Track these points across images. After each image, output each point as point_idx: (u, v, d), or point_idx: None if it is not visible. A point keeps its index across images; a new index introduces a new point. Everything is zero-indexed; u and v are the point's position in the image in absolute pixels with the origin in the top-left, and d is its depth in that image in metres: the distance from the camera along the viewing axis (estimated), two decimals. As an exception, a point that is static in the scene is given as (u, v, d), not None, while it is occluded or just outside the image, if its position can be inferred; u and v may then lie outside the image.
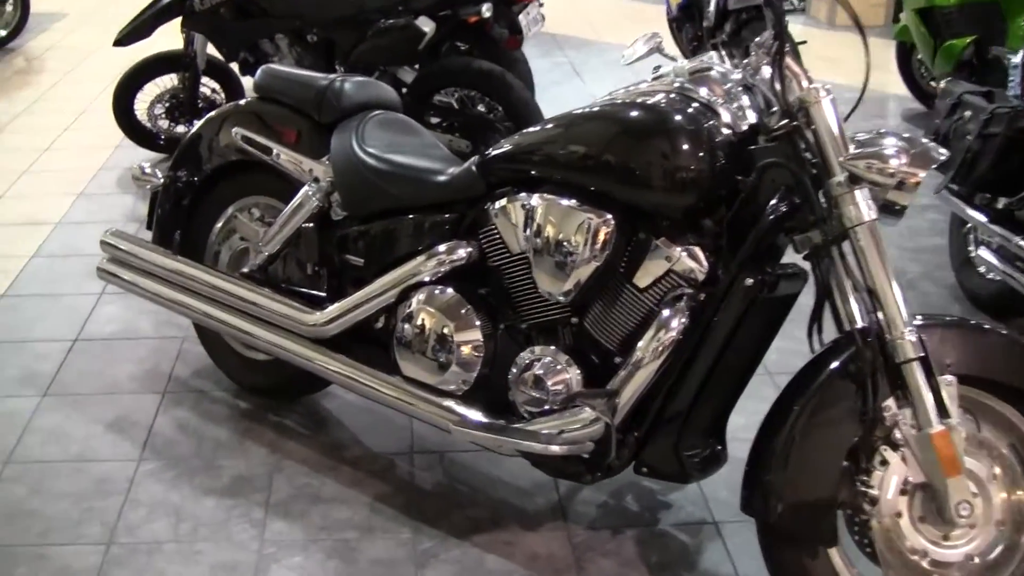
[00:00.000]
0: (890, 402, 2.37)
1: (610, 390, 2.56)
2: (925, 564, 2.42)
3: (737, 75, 2.58)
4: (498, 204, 2.72)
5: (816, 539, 2.43)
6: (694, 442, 2.66)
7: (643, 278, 2.56)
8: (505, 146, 2.76)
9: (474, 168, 2.81)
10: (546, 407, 2.67)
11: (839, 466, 2.41)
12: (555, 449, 2.57)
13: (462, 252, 2.80)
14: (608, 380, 2.64)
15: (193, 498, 3.02)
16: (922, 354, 2.33)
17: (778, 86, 2.42)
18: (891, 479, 2.39)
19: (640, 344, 2.53)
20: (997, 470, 2.44)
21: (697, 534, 2.94)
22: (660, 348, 2.50)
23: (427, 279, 2.83)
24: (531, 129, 2.75)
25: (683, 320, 2.50)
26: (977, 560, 2.43)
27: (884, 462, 2.39)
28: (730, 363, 2.56)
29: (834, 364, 2.41)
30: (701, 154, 2.46)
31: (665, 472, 2.68)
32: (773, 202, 2.44)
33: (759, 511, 2.46)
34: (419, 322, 2.82)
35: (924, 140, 2.37)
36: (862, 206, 2.34)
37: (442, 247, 2.82)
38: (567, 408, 2.63)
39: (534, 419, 2.67)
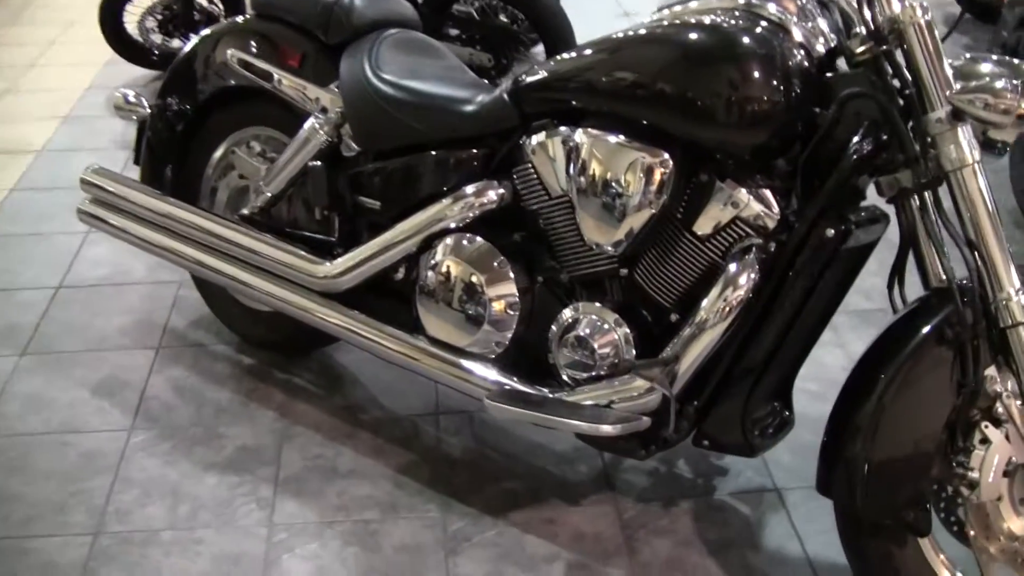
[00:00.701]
0: (991, 371, 2.07)
1: (667, 356, 2.26)
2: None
3: None
4: (535, 139, 2.39)
5: (906, 529, 2.15)
6: (760, 409, 2.37)
7: (704, 226, 2.24)
8: (542, 72, 2.40)
9: (506, 97, 2.46)
10: (592, 372, 2.37)
11: (934, 445, 2.12)
12: (606, 429, 2.26)
13: (493, 194, 2.47)
14: (661, 341, 2.35)
15: (192, 475, 2.72)
16: None
17: (864, 3, 2.08)
18: (993, 460, 2.09)
19: (704, 303, 2.21)
20: None
21: (759, 504, 2.67)
22: (727, 308, 2.19)
23: (453, 225, 2.51)
24: (573, 53, 2.39)
25: (752, 276, 2.18)
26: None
27: (984, 440, 2.09)
28: (804, 321, 2.25)
29: (927, 326, 2.10)
30: (773, 82, 2.11)
31: (729, 444, 2.39)
32: (856, 139, 2.12)
33: (840, 495, 2.18)
34: (445, 274, 2.51)
35: (1016, 61, 2.04)
36: (965, 146, 2.03)
37: (470, 188, 2.49)
38: (617, 376, 2.34)
39: (579, 387, 2.38)
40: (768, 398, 2.38)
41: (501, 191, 2.47)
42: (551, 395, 2.39)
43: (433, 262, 2.53)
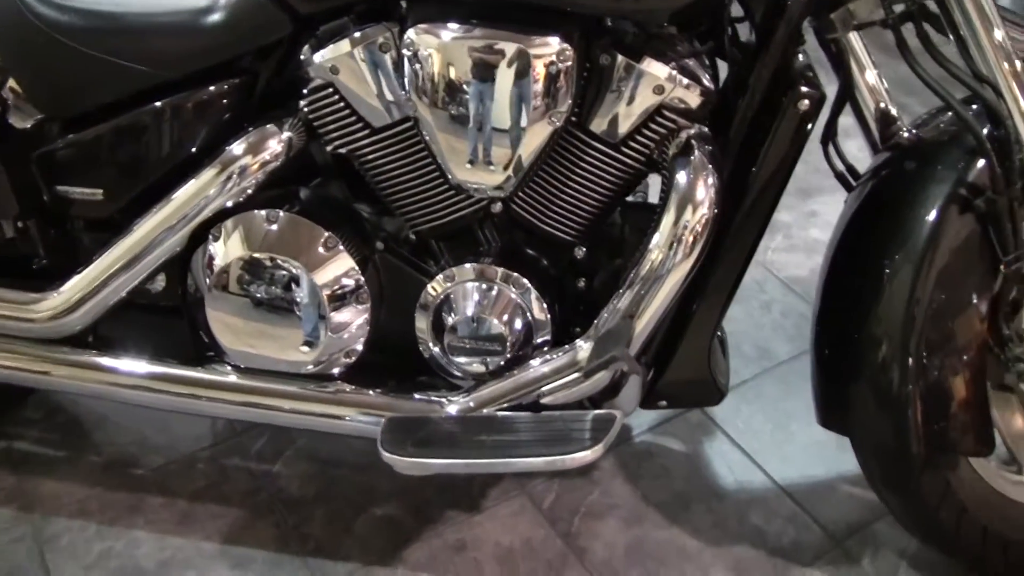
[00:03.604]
0: None
1: (612, 313, 1.66)
2: None
3: None
4: (334, 49, 1.64)
5: (970, 453, 1.72)
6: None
7: (618, 126, 1.64)
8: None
9: None
10: (500, 360, 1.74)
11: (982, 347, 1.69)
12: (586, 456, 1.65)
13: (276, 144, 1.72)
14: (568, 287, 1.80)
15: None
16: None
17: None
18: None
19: (657, 237, 1.61)
20: None
21: (688, 435, 2.21)
22: (691, 236, 1.60)
23: (230, 203, 1.75)
24: None
25: (712, 181, 1.60)
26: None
27: None
28: (768, 217, 1.73)
29: (940, 197, 1.64)
30: None
31: (693, 395, 1.89)
32: None
33: (877, 435, 1.72)
34: (243, 275, 1.75)
35: None
36: None
37: (239, 144, 1.72)
38: (539, 355, 1.73)
39: (480, 388, 1.75)
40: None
41: (287, 136, 1.72)
42: (458, 416, 1.74)
43: (217, 262, 1.75)
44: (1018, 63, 1.60)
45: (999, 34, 1.58)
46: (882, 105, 1.81)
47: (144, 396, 1.87)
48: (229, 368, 1.84)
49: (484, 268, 1.75)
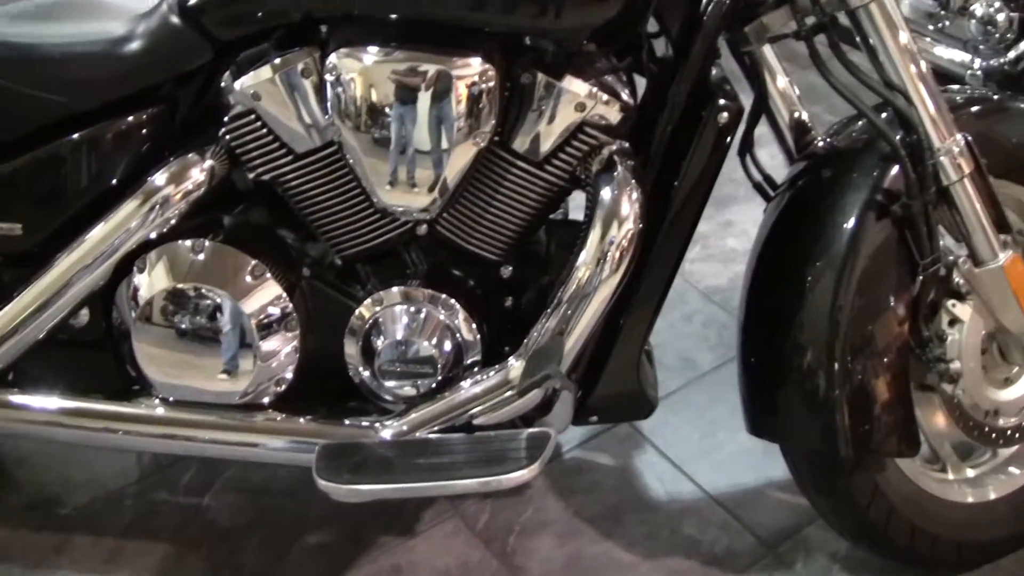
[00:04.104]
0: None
1: (542, 331, 1.67)
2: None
3: None
4: (255, 75, 1.63)
5: (896, 454, 1.77)
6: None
7: (540, 144, 1.66)
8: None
9: (176, 19, 1.67)
10: (432, 382, 1.74)
11: (905, 348, 1.73)
12: (523, 475, 1.65)
13: (198, 172, 1.71)
14: (496, 305, 1.81)
15: None
16: (975, 164, 1.69)
17: None
18: (970, 340, 1.77)
19: (584, 254, 1.63)
20: None
21: (617, 448, 2.23)
22: (618, 252, 1.62)
23: (154, 234, 1.73)
24: None
25: (636, 196, 1.62)
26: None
27: (954, 321, 1.76)
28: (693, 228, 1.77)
29: (857, 203, 1.70)
30: None
31: (625, 408, 1.89)
32: None
33: (807, 440, 1.76)
34: (168, 307, 1.72)
35: None
36: None
37: (160, 174, 1.70)
38: (469, 376, 1.74)
39: (413, 411, 1.75)
40: None
41: (209, 164, 1.71)
42: (392, 440, 1.73)
43: (142, 294, 1.73)
44: (923, 64, 1.66)
45: (904, 36, 1.64)
46: (796, 115, 1.85)
47: (68, 433, 1.84)
48: (157, 401, 1.81)
49: (411, 291, 1.75)
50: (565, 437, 2.21)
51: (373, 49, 1.58)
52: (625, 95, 1.66)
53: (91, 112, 1.71)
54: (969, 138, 1.68)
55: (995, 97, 1.90)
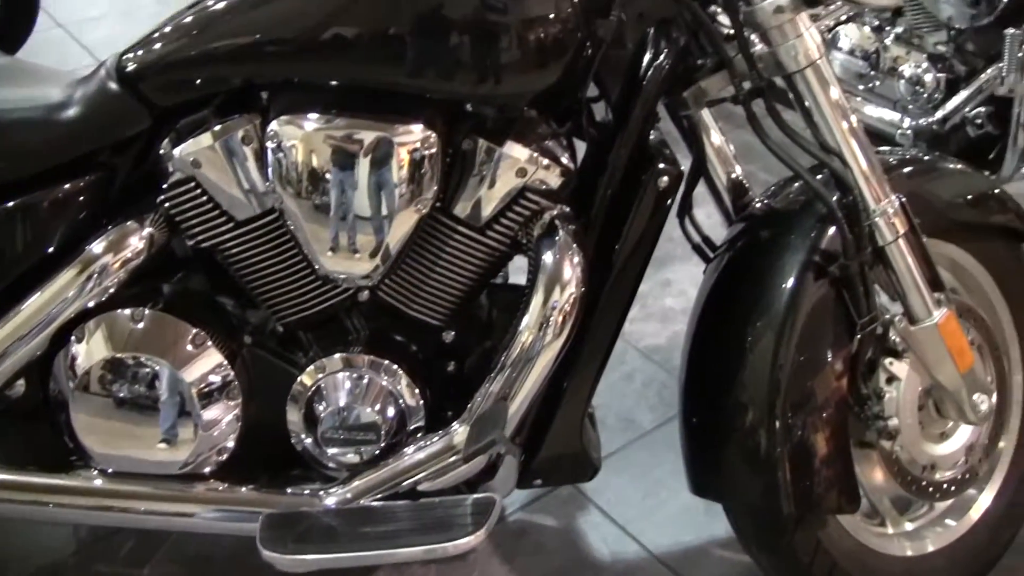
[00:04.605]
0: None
1: (486, 396, 1.68)
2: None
3: None
4: (195, 142, 1.63)
5: (837, 511, 1.79)
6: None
7: (482, 210, 1.67)
8: (174, 39, 1.64)
9: (114, 85, 1.67)
10: (376, 449, 1.74)
11: (844, 406, 1.77)
12: (470, 542, 1.65)
13: (137, 241, 1.70)
14: (439, 371, 1.81)
15: None
16: (909, 224, 1.73)
17: None
18: (907, 397, 1.81)
19: (527, 319, 1.63)
20: (973, 334, 1.91)
21: (561, 512, 2.22)
22: (561, 316, 1.63)
23: (92, 303, 1.71)
24: (215, 2, 1.63)
25: (578, 261, 1.64)
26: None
27: (891, 379, 1.79)
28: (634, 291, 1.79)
29: (796, 264, 1.73)
30: None
31: (568, 471, 1.90)
32: (650, 49, 1.70)
33: (749, 498, 1.78)
34: (106, 376, 1.71)
35: None
36: (810, 37, 1.66)
37: (99, 242, 1.69)
38: (413, 442, 1.73)
39: (357, 478, 1.74)
40: None
41: (148, 232, 1.70)
42: (336, 509, 1.72)
43: (80, 364, 1.71)
44: (854, 118, 1.70)
45: (838, 97, 1.68)
46: (734, 176, 1.89)
47: (4, 508, 1.80)
48: (95, 473, 1.79)
49: (353, 357, 1.75)
50: (509, 499, 2.21)
51: (314, 116, 1.59)
52: (565, 160, 1.68)
53: (28, 179, 1.70)
54: (903, 199, 1.72)
55: (926, 158, 1.96)
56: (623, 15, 1.64)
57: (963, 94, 2.97)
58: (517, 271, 1.75)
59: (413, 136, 1.57)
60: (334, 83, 1.60)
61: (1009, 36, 2.78)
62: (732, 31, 1.70)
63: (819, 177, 1.73)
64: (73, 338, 1.72)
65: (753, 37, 1.70)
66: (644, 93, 1.66)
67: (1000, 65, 2.83)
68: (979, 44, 2.98)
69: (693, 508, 2.11)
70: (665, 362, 2.63)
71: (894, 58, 3.13)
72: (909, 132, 3.03)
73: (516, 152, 1.63)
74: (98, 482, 1.79)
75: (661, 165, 1.67)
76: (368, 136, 1.57)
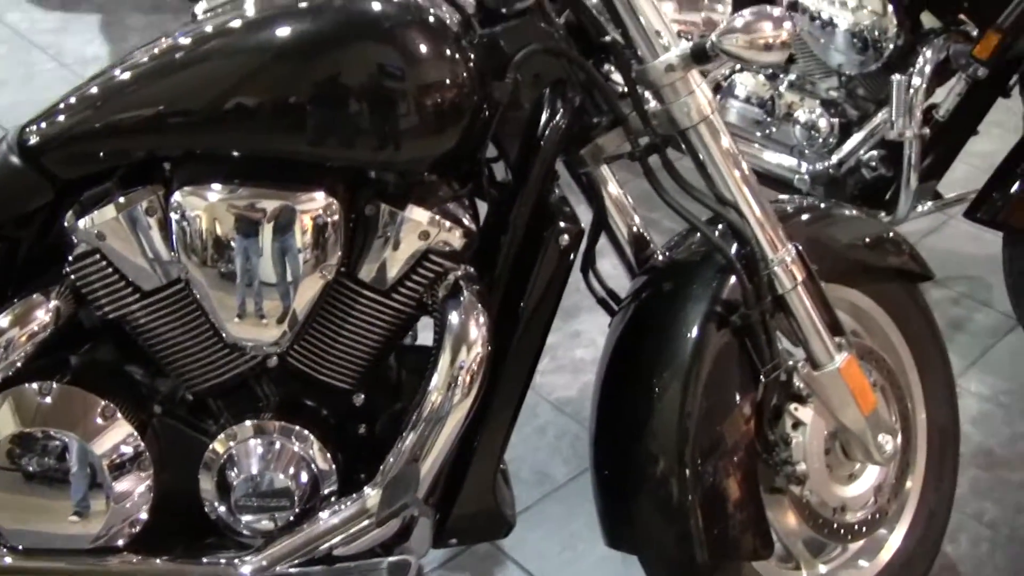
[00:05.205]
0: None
1: (398, 458, 1.68)
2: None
3: None
4: (99, 214, 1.63)
5: (751, 557, 1.81)
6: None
7: (386, 274, 1.69)
8: (73, 113, 1.64)
9: (15, 159, 1.66)
10: (289, 515, 1.73)
11: (753, 448, 1.80)
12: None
13: (43, 314, 1.68)
14: (351, 434, 1.81)
15: None
16: (807, 271, 1.79)
17: None
18: (813, 442, 1.86)
19: (435, 380, 1.65)
20: (875, 375, 1.97)
21: (478, 567, 2.23)
22: (468, 376, 1.65)
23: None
24: (120, 74, 1.64)
25: (483, 320, 1.66)
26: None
27: (797, 424, 1.84)
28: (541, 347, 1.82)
29: (698, 316, 1.78)
30: (449, 54, 1.60)
31: (483, 528, 1.90)
32: (546, 110, 1.73)
33: (664, 549, 1.79)
34: (14, 452, 1.69)
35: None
36: (702, 94, 1.71)
37: (3, 316, 1.67)
38: (326, 507, 1.73)
39: (271, 545, 1.73)
40: None
41: (54, 304, 1.69)
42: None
43: (-16, 442, 1.70)
44: (745, 166, 1.75)
45: (727, 142, 1.73)
46: (635, 230, 1.93)
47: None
48: (4, 550, 1.76)
49: (264, 423, 1.75)
50: (426, 558, 2.21)
51: (217, 186, 1.60)
52: (467, 221, 1.71)
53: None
54: (799, 247, 1.77)
55: (821, 205, 2.02)
56: (519, 76, 1.68)
57: (856, 138, 3.07)
58: (426, 329, 1.77)
59: (315, 203, 1.59)
60: (236, 153, 1.61)
61: (896, 82, 2.87)
62: (626, 89, 1.75)
63: (718, 228, 1.79)
64: (-24, 412, 1.72)
65: (647, 94, 1.75)
66: (542, 152, 1.70)
67: (889, 110, 2.92)
68: (869, 89, 3.08)
69: (610, 559, 2.12)
70: (577, 414, 2.67)
71: (789, 104, 3.22)
72: (807, 176, 3.12)
73: (418, 215, 1.66)
74: (7, 559, 1.76)
75: (562, 223, 1.71)
76: (270, 205, 1.59)
